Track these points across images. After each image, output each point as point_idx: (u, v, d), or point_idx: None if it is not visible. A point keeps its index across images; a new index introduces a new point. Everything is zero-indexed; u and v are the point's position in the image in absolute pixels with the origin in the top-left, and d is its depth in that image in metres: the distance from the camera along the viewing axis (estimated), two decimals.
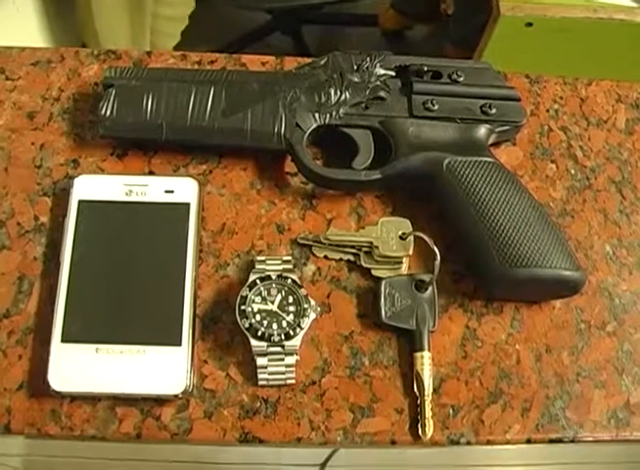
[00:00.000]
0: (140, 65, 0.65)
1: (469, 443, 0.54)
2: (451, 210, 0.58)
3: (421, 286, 0.57)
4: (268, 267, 0.55)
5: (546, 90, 0.69)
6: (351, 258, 0.59)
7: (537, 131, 0.67)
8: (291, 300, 0.54)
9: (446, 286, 0.58)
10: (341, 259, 0.59)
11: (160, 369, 0.52)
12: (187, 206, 0.57)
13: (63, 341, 0.52)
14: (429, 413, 0.54)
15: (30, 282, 0.56)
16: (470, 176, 0.57)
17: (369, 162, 0.59)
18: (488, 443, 0.54)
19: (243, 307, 0.53)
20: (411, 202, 0.61)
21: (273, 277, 0.54)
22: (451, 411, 0.55)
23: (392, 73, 0.62)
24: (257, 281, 0.54)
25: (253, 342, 0.53)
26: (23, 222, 0.58)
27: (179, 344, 0.53)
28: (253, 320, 0.53)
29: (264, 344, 0.53)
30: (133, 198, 0.57)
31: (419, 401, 0.54)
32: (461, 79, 0.62)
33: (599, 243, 0.62)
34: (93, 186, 0.57)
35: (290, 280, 0.54)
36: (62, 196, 0.59)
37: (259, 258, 0.56)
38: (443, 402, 0.55)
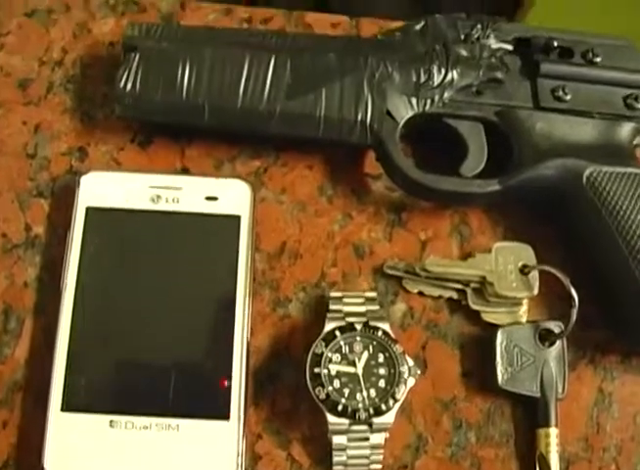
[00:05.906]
0: (172, 21, 0.52)
1: None
2: (588, 236, 0.46)
3: (547, 338, 0.44)
4: (347, 309, 0.42)
5: None
6: (455, 295, 0.46)
7: None
8: (381, 359, 0.41)
9: (573, 335, 0.45)
10: (440, 297, 0.46)
11: (200, 452, 0.39)
12: (236, 219, 0.44)
13: (64, 409, 0.40)
14: None
15: (19, 318, 0.44)
16: (618, 194, 0.44)
17: (482, 167, 0.46)
18: None
19: (317, 370, 0.40)
20: (529, 220, 0.48)
21: (358, 328, 0.41)
22: None
23: (509, 48, 0.48)
24: (337, 332, 0.40)
25: (332, 418, 0.39)
26: (10, 233, 0.46)
27: (226, 417, 0.40)
28: (331, 388, 0.40)
29: (346, 421, 0.39)
30: (162, 206, 0.44)
31: None
32: (598, 60, 0.48)
33: None
34: (107, 188, 0.45)
35: (380, 332, 0.41)
36: (63, 197, 0.46)
37: (334, 293, 0.43)
38: None
